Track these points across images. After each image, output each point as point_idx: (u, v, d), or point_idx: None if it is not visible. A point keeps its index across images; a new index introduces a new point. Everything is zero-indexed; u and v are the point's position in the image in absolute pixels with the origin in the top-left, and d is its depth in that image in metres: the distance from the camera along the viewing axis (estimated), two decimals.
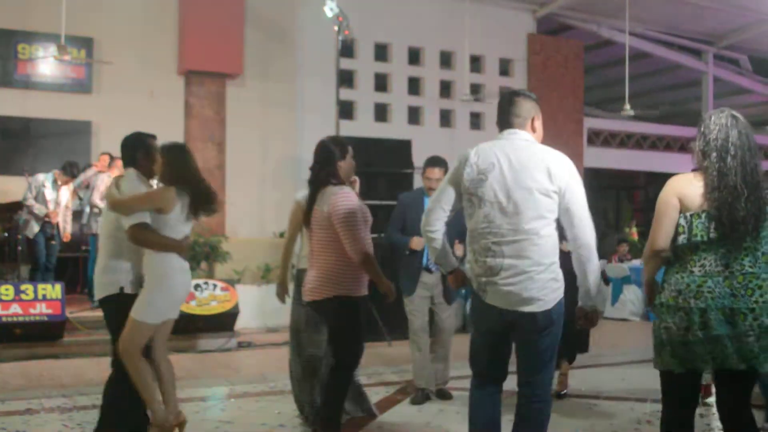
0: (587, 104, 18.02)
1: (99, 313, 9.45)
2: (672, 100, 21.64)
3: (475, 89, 15.32)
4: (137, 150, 5.14)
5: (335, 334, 4.97)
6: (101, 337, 8.96)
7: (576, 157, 16.36)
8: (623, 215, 22.91)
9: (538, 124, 4.10)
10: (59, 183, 10.24)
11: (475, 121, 15.64)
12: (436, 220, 4.04)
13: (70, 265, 10.89)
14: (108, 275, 4.94)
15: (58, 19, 10.75)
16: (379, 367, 8.00)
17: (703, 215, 3.57)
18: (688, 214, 3.60)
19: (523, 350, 3.97)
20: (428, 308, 6.54)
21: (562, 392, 6.79)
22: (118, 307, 4.87)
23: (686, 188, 3.63)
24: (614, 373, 7.87)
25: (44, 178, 10.22)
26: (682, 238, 3.62)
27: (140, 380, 4.82)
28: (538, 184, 3.80)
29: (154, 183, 5.23)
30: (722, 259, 3.55)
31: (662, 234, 3.66)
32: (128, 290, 4.89)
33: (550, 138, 15.98)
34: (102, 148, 11.56)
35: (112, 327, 4.96)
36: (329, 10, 10.41)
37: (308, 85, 13.58)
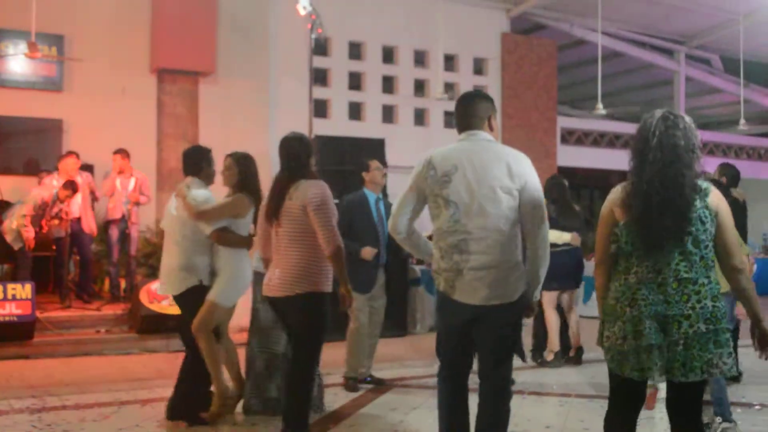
0: (560, 103, 18.13)
1: (69, 313, 9.51)
2: (644, 99, 21.79)
3: (449, 88, 15.36)
4: (202, 160, 5.92)
5: (302, 330, 4.95)
6: (71, 337, 8.95)
7: (549, 155, 16.49)
8: (597, 214, 23.03)
9: (495, 122, 4.20)
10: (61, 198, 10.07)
11: (449, 119, 15.67)
12: (403, 225, 4.20)
13: (41, 265, 10.77)
14: (188, 271, 5.69)
15: (29, 16, 10.65)
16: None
17: (630, 223, 3.53)
18: (620, 223, 3.58)
19: (486, 343, 4.08)
20: None
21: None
22: (196, 296, 5.65)
23: (616, 198, 3.62)
24: (585, 371, 7.91)
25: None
26: (614, 247, 3.63)
27: (212, 356, 5.63)
28: (500, 182, 3.93)
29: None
30: (655, 265, 3.48)
31: (600, 244, 3.72)
32: (206, 282, 5.70)
33: (524, 136, 16.12)
34: (74, 146, 11.45)
35: (190, 314, 5.69)
36: (302, 8, 10.36)
37: (281, 84, 13.55)
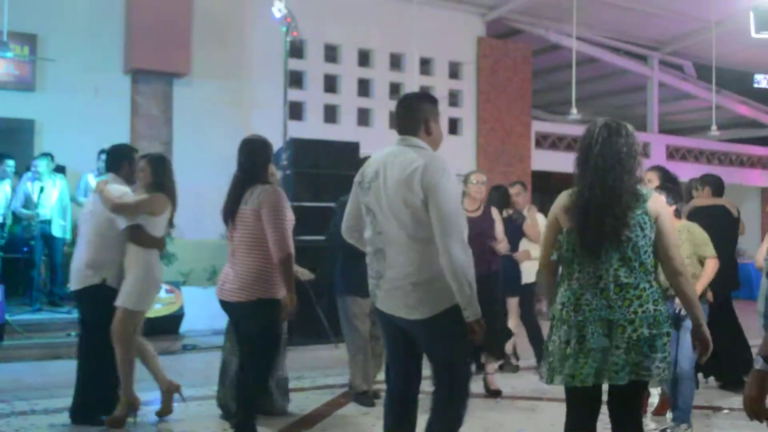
0: (535, 107, 18.20)
1: (38, 317, 9.41)
2: (618, 104, 21.94)
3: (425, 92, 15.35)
4: (124, 159, 5.89)
5: (256, 336, 4.89)
6: (41, 340, 8.86)
7: (524, 159, 16.56)
8: None
9: (435, 126, 3.95)
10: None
11: None
12: (350, 230, 4.15)
13: (11, 267, 10.65)
14: (93, 268, 5.63)
15: (0, 15, 10.54)
16: (324, 369, 7.97)
17: (572, 231, 3.59)
18: (563, 230, 3.65)
19: (427, 357, 3.96)
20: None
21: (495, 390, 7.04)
22: (96, 296, 5.61)
23: (559, 205, 3.69)
24: None
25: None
26: (556, 254, 3.70)
27: (126, 365, 5.58)
28: (403, 194, 3.73)
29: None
30: (595, 271, 3.53)
31: (543, 249, 3.79)
32: (110, 282, 5.62)
33: (498, 140, 16.17)
34: (46, 146, 11.34)
35: (87, 313, 5.75)
36: (277, 10, 10.36)
37: (256, 86, 13.48)
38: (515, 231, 7.91)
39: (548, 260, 3.76)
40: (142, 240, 5.61)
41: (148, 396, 6.14)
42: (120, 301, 5.55)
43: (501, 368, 8.08)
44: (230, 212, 4.89)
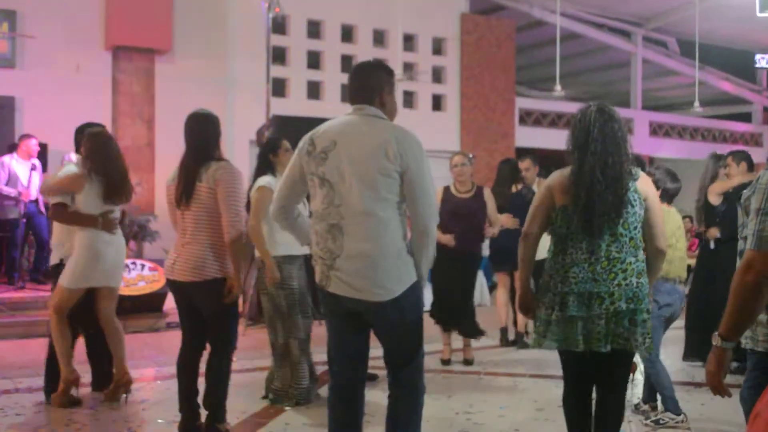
0: (519, 84, 18.18)
1: (23, 295, 9.37)
2: (602, 80, 21.97)
3: (408, 68, 15.32)
4: (79, 138, 5.86)
5: (216, 317, 4.79)
6: (25, 318, 8.81)
7: (507, 136, 16.56)
8: None
9: (389, 98, 3.75)
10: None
11: (408, 99, 15.65)
12: (283, 211, 3.83)
13: None
14: (55, 249, 5.89)
15: None
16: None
17: (567, 208, 3.76)
18: (557, 206, 3.80)
19: (383, 342, 3.71)
20: None
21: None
22: (56, 276, 5.77)
23: (555, 183, 3.85)
24: (540, 351, 7.97)
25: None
26: (550, 229, 3.87)
27: (58, 339, 5.64)
28: (377, 163, 3.49)
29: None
30: (588, 247, 3.73)
31: (530, 220, 3.93)
32: (65, 262, 5.67)
33: (482, 117, 16.13)
34: (27, 124, 11.26)
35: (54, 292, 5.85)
36: None
37: (239, 62, 13.40)
38: (524, 206, 7.91)
39: (533, 231, 3.89)
40: (64, 217, 5.63)
41: (133, 374, 6.12)
42: (60, 278, 5.63)
43: (514, 344, 8.15)
44: (185, 191, 4.71)
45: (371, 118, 3.67)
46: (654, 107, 21.26)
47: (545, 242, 3.88)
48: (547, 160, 9.09)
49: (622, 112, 3.91)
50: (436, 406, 4.77)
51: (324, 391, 6.19)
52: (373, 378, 6.29)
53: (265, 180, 5.66)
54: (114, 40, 12.39)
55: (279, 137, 6.29)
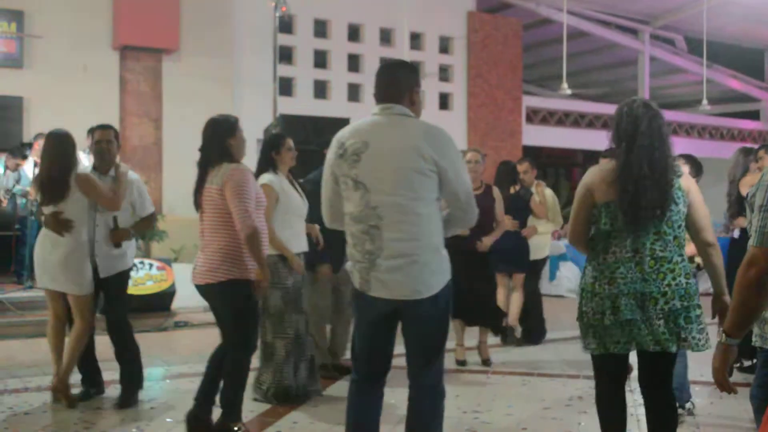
0: (526, 82, 18.17)
1: (31, 294, 9.39)
2: (609, 79, 21.92)
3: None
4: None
5: (230, 318, 4.82)
6: (33, 318, 8.82)
7: (515, 134, 16.54)
8: (561, 193, 23.19)
9: (418, 96, 3.74)
10: (8, 167, 9.95)
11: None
12: (336, 216, 3.78)
13: (2, 244, 10.61)
14: None
15: None
16: None
17: (611, 204, 3.67)
18: (599, 204, 3.71)
19: (412, 340, 3.69)
20: None
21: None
22: None
23: (596, 180, 3.75)
24: (547, 350, 7.98)
25: None
26: (593, 228, 3.78)
27: (48, 337, 5.84)
28: (412, 162, 3.49)
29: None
30: (632, 244, 3.65)
31: (574, 225, 3.83)
32: None
33: (489, 116, 16.10)
34: (35, 124, 11.28)
35: None
36: None
37: (246, 62, 13.41)
38: (523, 207, 7.93)
39: (583, 236, 3.82)
40: (43, 219, 5.72)
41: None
42: None
43: (503, 341, 8.13)
44: (197, 193, 4.81)
45: (400, 117, 3.65)
46: (662, 105, 20.83)
47: (545, 242, 3.86)
48: (554, 159, 9.06)
49: None
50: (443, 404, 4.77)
51: (329, 390, 6.24)
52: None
53: (266, 178, 5.67)
54: (121, 40, 12.41)
55: (282, 134, 6.32)
